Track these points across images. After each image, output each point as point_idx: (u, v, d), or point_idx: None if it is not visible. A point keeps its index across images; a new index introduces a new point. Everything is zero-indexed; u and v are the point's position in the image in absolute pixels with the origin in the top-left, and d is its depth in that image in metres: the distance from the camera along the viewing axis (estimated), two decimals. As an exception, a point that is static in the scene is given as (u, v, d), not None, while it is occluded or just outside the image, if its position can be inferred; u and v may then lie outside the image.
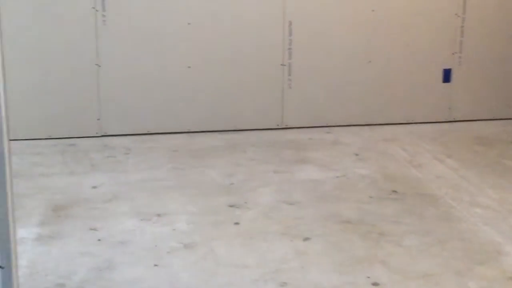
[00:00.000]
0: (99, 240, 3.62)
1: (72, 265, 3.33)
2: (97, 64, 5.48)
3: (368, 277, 3.24)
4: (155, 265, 3.35)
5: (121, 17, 5.46)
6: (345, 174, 4.74)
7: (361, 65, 5.93)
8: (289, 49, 5.76)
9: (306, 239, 3.67)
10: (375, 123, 6.02)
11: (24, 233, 3.64)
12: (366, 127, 5.95)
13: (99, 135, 5.57)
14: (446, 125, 6.14)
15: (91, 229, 3.76)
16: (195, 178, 4.64)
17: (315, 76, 5.87)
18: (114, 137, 5.54)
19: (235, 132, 5.75)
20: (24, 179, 4.47)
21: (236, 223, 3.88)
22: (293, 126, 5.89)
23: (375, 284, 3.18)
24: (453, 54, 6.09)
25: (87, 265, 3.33)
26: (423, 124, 6.08)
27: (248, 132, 5.75)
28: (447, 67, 6.12)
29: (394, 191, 4.41)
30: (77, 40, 5.42)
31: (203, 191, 4.37)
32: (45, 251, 3.48)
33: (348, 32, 5.86)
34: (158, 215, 3.96)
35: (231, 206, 4.13)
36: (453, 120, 6.20)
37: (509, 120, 6.25)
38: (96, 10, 5.38)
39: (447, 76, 6.14)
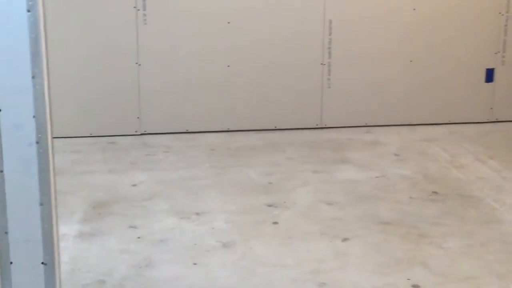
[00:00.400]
0: (138, 238, 3.65)
1: (112, 262, 3.36)
2: (137, 63, 5.52)
3: (408, 279, 3.20)
4: (194, 263, 3.36)
5: (161, 16, 5.49)
6: (385, 174, 4.69)
7: (402, 65, 5.87)
8: (329, 48, 5.73)
9: (345, 239, 3.65)
10: (415, 123, 5.95)
11: (65, 230, 3.68)
12: (406, 127, 5.89)
13: (138, 133, 5.61)
14: (488, 125, 6.04)
15: (130, 226, 3.79)
16: (234, 177, 4.64)
17: (355, 76, 5.83)
18: (154, 136, 5.58)
19: (274, 131, 5.74)
20: (65, 177, 4.53)
21: (275, 223, 3.87)
22: (332, 126, 5.86)
23: (415, 286, 3.15)
24: (496, 53, 5.99)
25: (127, 263, 3.36)
26: (464, 125, 5.99)
27: (287, 131, 5.74)
28: (490, 66, 6.02)
29: (435, 192, 4.35)
30: (118, 39, 5.48)
31: (241, 190, 4.37)
32: (85, 248, 3.52)
33: (389, 31, 5.80)
34: (197, 213, 3.98)
35: (269, 205, 4.13)
36: (495, 120, 6.10)
37: (553, 121, 6.13)
38: (137, 10, 5.43)
39: (489, 75, 6.04)
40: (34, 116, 2.13)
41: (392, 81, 5.89)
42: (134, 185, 4.45)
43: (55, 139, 2.28)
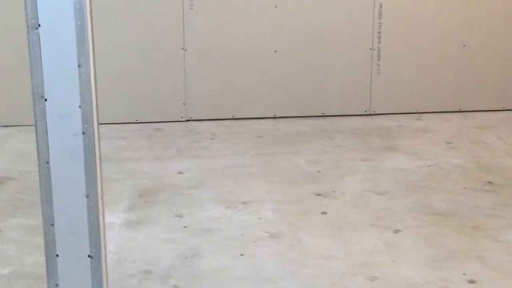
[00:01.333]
0: (184, 227, 3.60)
1: (159, 252, 3.32)
2: (183, 49, 5.46)
3: (464, 274, 3.08)
4: (241, 254, 3.30)
5: (207, 2, 5.41)
6: (437, 163, 4.55)
7: (455, 49, 5.69)
8: (379, 32, 5.58)
9: (396, 231, 3.54)
10: (468, 109, 5.77)
11: (111, 218, 3.66)
12: (459, 114, 5.72)
13: (184, 119, 5.56)
14: (545, 112, 5.83)
15: (176, 215, 3.74)
16: (281, 164, 4.56)
17: (405, 61, 5.67)
18: (200, 122, 5.53)
19: (321, 117, 5.63)
20: (111, 164, 4.51)
21: (324, 213, 3.78)
22: (382, 113, 5.71)
23: (471, 281, 3.03)
24: (553, 37, 5.76)
25: (173, 253, 3.31)
26: (520, 111, 5.80)
27: (335, 118, 5.62)
28: (547, 50, 5.79)
29: (489, 182, 4.20)
30: (164, 25, 5.42)
31: (288, 179, 4.29)
32: (132, 237, 3.49)
33: (440, 15, 5.61)
34: (244, 202, 3.91)
35: (317, 194, 4.04)
36: (553, 106, 5.87)
37: None
38: (183, -6, 5.36)
39: (548, 60, 5.81)
40: (80, 106, 2.08)
41: (444, 66, 5.71)
42: (179, 173, 4.40)
43: (101, 125, 2.23)
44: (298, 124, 5.46)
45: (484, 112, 5.74)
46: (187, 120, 5.57)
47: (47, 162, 2.11)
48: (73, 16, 2.01)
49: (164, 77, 5.51)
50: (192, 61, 5.49)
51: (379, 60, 5.63)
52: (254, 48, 5.53)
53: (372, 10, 5.54)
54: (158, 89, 5.52)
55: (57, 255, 2.17)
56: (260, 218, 3.70)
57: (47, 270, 2.20)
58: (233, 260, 3.25)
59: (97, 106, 2.12)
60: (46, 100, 2.07)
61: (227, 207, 3.85)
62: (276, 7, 5.46)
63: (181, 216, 3.74)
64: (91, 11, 2.06)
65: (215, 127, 5.41)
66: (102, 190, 2.19)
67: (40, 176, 2.13)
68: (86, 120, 2.09)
